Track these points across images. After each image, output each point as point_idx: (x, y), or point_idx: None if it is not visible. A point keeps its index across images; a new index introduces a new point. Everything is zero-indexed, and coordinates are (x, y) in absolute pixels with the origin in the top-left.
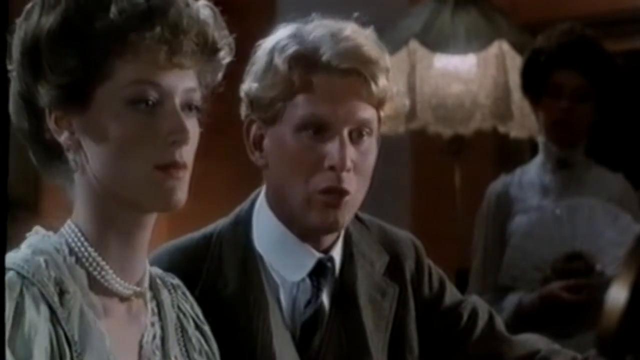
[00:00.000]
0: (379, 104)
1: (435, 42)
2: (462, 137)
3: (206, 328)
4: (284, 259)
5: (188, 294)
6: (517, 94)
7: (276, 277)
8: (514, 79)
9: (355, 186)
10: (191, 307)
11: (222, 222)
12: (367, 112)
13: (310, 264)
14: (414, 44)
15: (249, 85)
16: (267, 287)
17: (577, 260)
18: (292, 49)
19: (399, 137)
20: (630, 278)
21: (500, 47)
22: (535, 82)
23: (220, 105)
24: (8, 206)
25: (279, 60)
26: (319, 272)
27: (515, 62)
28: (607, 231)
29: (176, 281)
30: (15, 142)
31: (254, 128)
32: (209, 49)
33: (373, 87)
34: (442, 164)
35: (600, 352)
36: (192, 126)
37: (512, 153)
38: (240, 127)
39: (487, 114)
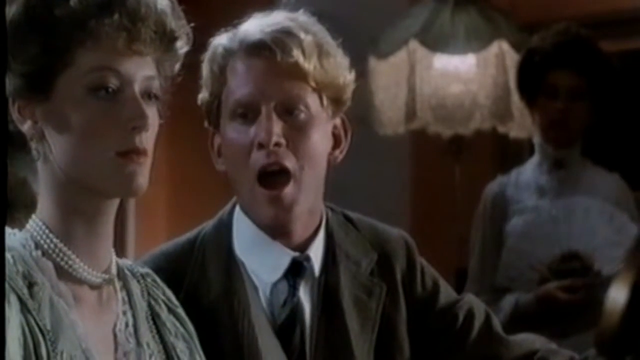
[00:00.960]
0: (303, 77)
1: (435, 42)
2: (461, 137)
3: (179, 311)
4: (259, 261)
5: (158, 280)
6: (516, 94)
7: (255, 279)
8: (514, 79)
9: (295, 165)
10: (163, 292)
11: (205, 226)
12: (289, 87)
13: (284, 263)
14: (413, 44)
15: (200, 97)
16: (249, 289)
17: (574, 260)
18: (216, 46)
19: (399, 137)
20: (630, 278)
21: (500, 47)
22: (530, 83)
23: None
24: (8, 206)
25: (209, 63)
26: (296, 271)
27: (515, 62)
28: (603, 231)
29: (144, 270)
30: None
31: (215, 138)
32: (167, 38)
33: (284, 57)
34: (442, 164)
35: (599, 352)
36: (152, 114)
37: (511, 153)
38: None
39: (487, 114)
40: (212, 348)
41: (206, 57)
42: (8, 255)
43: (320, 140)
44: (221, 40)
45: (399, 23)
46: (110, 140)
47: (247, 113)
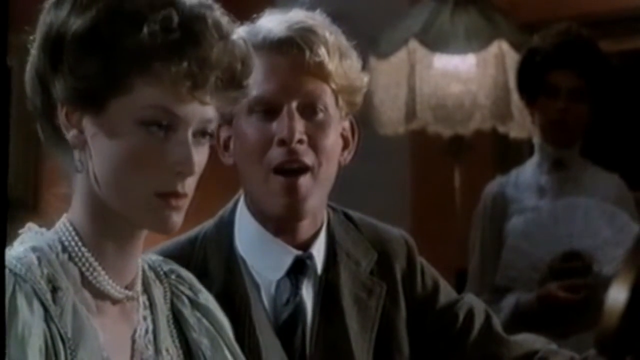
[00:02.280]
0: (325, 77)
1: (435, 42)
2: (461, 137)
3: (207, 305)
4: (262, 259)
5: (184, 274)
6: (516, 94)
7: (257, 277)
8: (514, 79)
9: (314, 162)
10: (189, 288)
11: (207, 225)
12: (312, 86)
13: (287, 261)
14: (413, 44)
15: None
16: (251, 288)
17: (574, 259)
18: None
19: (399, 137)
20: (630, 278)
21: (500, 47)
22: (531, 82)
23: None
24: (8, 206)
25: None
26: (299, 270)
27: (514, 62)
28: (603, 230)
29: (169, 266)
30: (15, 143)
31: (222, 132)
32: (234, 86)
33: (310, 55)
34: (442, 164)
35: (600, 352)
36: (202, 153)
37: (511, 153)
38: None
39: (487, 114)
40: None
41: None
42: (33, 256)
43: (336, 140)
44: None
45: (399, 23)
46: (152, 179)
47: (268, 109)
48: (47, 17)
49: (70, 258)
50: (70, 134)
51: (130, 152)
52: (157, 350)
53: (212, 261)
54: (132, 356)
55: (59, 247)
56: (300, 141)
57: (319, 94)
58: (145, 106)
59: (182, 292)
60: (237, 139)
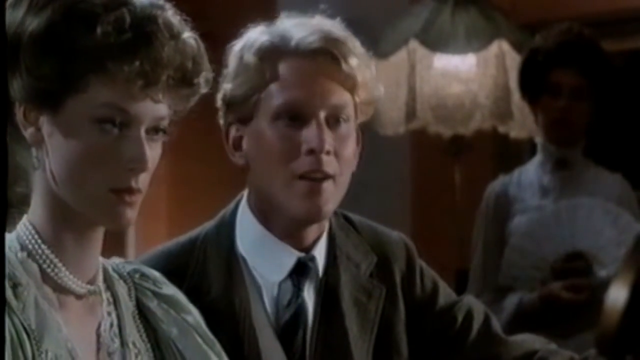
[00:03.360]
0: (352, 88)
1: (435, 42)
2: (462, 137)
3: (171, 297)
4: (264, 260)
5: (147, 272)
6: (517, 94)
7: (258, 278)
8: (514, 79)
9: (337, 170)
10: (153, 283)
11: (207, 225)
12: (341, 97)
13: (290, 263)
14: (413, 44)
15: (223, 88)
16: (251, 289)
17: (577, 259)
18: (260, 42)
19: (399, 137)
20: (630, 278)
21: (500, 47)
22: (533, 82)
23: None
24: (8, 206)
25: (248, 55)
26: (300, 272)
27: (515, 62)
28: (606, 230)
29: (132, 267)
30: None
31: (232, 131)
32: (185, 84)
33: (344, 66)
34: (442, 164)
35: (600, 352)
36: (155, 149)
37: (512, 153)
38: None
39: (487, 114)
40: None
41: (241, 50)
42: None
43: (354, 149)
44: (262, 36)
45: (399, 23)
46: (106, 176)
47: (296, 116)
48: (7, 18)
49: (30, 255)
50: (28, 132)
51: (85, 149)
52: (123, 344)
53: (211, 262)
54: (97, 350)
55: (18, 247)
56: (327, 152)
57: (345, 105)
58: (100, 104)
59: (146, 288)
60: (257, 142)
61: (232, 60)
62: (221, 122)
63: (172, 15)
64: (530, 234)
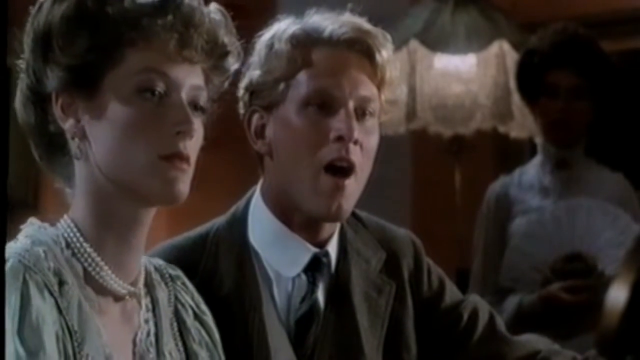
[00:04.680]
0: (380, 83)
1: (436, 42)
2: (462, 137)
3: (206, 318)
4: (279, 255)
5: (188, 283)
6: (517, 94)
7: (271, 273)
8: (514, 79)
9: (361, 163)
10: (191, 297)
11: (218, 221)
12: (370, 89)
13: (305, 258)
14: (414, 44)
15: (249, 76)
16: (262, 284)
17: (577, 260)
18: (292, 30)
19: (399, 137)
20: (630, 278)
21: (501, 47)
22: (530, 83)
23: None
24: (8, 206)
25: (279, 43)
26: (315, 267)
27: (515, 62)
28: (606, 231)
29: (175, 272)
30: (15, 143)
31: (255, 118)
32: (218, 50)
33: (377, 57)
34: (442, 164)
35: (600, 352)
36: (197, 124)
37: (512, 153)
38: (240, 126)
39: (487, 114)
40: (224, 343)
41: (272, 39)
42: (40, 250)
43: (377, 143)
44: (293, 25)
45: (399, 23)
46: (154, 142)
47: (326, 103)
48: (33, 22)
49: (74, 254)
50: (68, 124)
51: (128, 121)
52: (159, 353)
53: (223, 257)
54: (133, 358)
55: (63, 243)
56: (355, 141)
57: (373, 99)
58: (139, 71)
59: (186, 301)
60: (283, 129)
61: (260, 49)
62: (241, 110)
63: None
64: (529, 235)
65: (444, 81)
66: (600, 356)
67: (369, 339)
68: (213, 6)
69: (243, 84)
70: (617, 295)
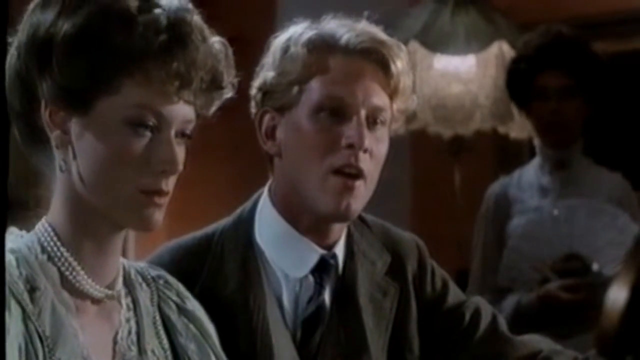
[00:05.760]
0: (393, 93)
1: (435, 43)
2: (462, 138)
3: (193, 311)
4: (286, 256)
5: (171, 280)
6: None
7: (279, 274)
8: None
9: (370, 170)
10: (176, 293)
11: (224, 222)
12: (382, 99)
13: (313, 260)
14: (413, 45)
15: (263, 76)
16: (268, 285)
17: (575, 260)
18: (309, 35)
19: (399, 137)
20: (630, 278)
21: (500, 48)
22: (521, 89)
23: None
24: (8, 206)
25: (295, 47)
26: (322, 269)
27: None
28: (605, 231)
29: (157, 272)
30: (15, 143)
31: (266, 119)
32: (214, 86)
33: (392, 67)
34: (442, 165)
35: (600, 352)
36: (181, 153)
37: (512, 154)
38: (240, 131)
39: (487, 115)
40: (228, 343)
41: (287, 42)
42: (12, 257)
43: (386, 152)
44: (309, 30)
45: (399, 23)
46: (137, 177)
47: (338, 110)
48: (33, 18)
49: (49, 258)
50: (54, 134)
51: (116, 151)
52: (140, 351)
53: (229, 258)
54: (113, 357)
55: (38, 249)
56: (365, 150)
57: (385, 108)
58: (133, 106)
59: (169, 297)
60: (294, 133)
61: (275, 50)
62: (253, 110)
63: (200, 20)
64: (528, 235)
65: (444, 82)
66: (600, 356)
67: (374, 340)
68: (215, 38)
69: (256, 83)
70: (617, 295)
